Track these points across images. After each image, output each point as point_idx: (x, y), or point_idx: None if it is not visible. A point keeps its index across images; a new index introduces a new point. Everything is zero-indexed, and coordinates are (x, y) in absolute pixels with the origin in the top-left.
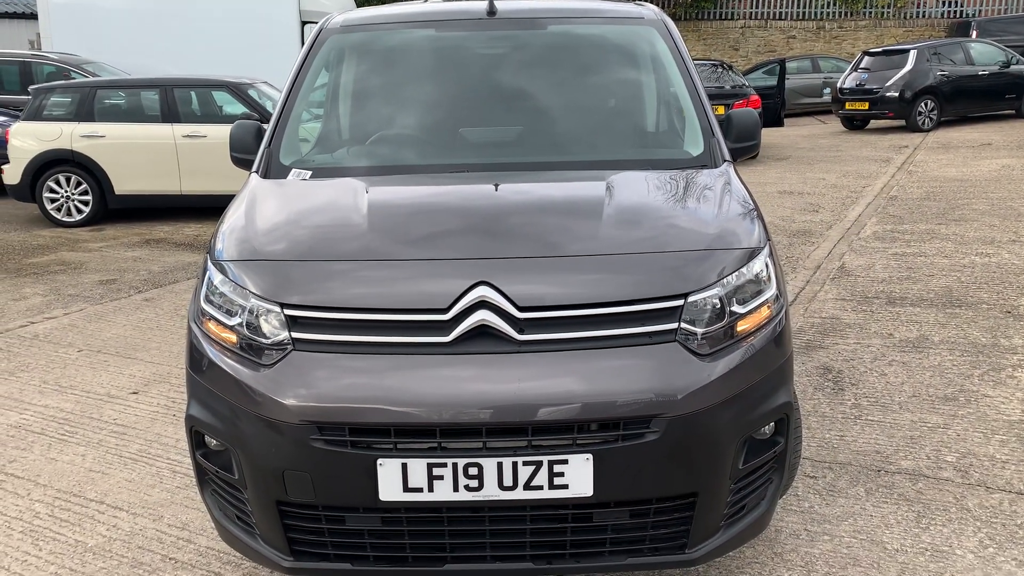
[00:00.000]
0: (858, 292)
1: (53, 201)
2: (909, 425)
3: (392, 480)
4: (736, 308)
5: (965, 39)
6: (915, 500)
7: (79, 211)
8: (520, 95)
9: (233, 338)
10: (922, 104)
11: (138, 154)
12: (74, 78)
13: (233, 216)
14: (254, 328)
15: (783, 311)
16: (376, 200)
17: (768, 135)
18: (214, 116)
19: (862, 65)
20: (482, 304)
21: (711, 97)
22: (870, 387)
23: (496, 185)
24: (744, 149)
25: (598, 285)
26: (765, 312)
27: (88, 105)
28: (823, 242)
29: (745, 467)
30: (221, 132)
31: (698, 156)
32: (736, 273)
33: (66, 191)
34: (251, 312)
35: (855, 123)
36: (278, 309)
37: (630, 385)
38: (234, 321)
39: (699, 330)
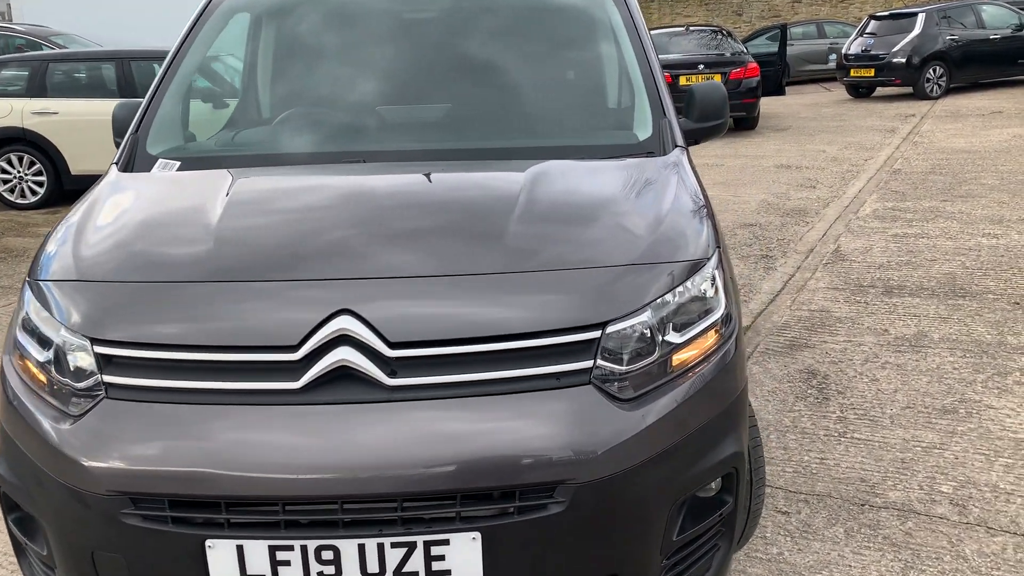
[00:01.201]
0: (852, 280)
1: (6, 182)
2: (900, 445)
3: (225, 566)
4: (672, 337)
5: (976, 1)
6: (903, 545)
7: (33, 192)
8: (450, 67)
9: (44, 378)
10: (930, 70)
11: (95, 132)
12: (44, 51)
13: (67, 222)
14: (62, 368)
15: (734, 334)
16: (235, 202)
17: (769, 104)
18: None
19: (868, 30)
20: (342, 339)
21: (710, 65)
22: (859, 396)
23: (392, 178)
24: (708, 130)
25: (493, 313)
26: (711, 339)
27: (40, 80)
28: (818, 222)
29: (681, 538)
30: None
31: (644, 141)
32: (674, 292)
33: (19, 171)
34: (60, 348)
35: (860, 91)
36: (89, 345)
37: (529, 443)
38: (44, 357)
39: (621, 368)
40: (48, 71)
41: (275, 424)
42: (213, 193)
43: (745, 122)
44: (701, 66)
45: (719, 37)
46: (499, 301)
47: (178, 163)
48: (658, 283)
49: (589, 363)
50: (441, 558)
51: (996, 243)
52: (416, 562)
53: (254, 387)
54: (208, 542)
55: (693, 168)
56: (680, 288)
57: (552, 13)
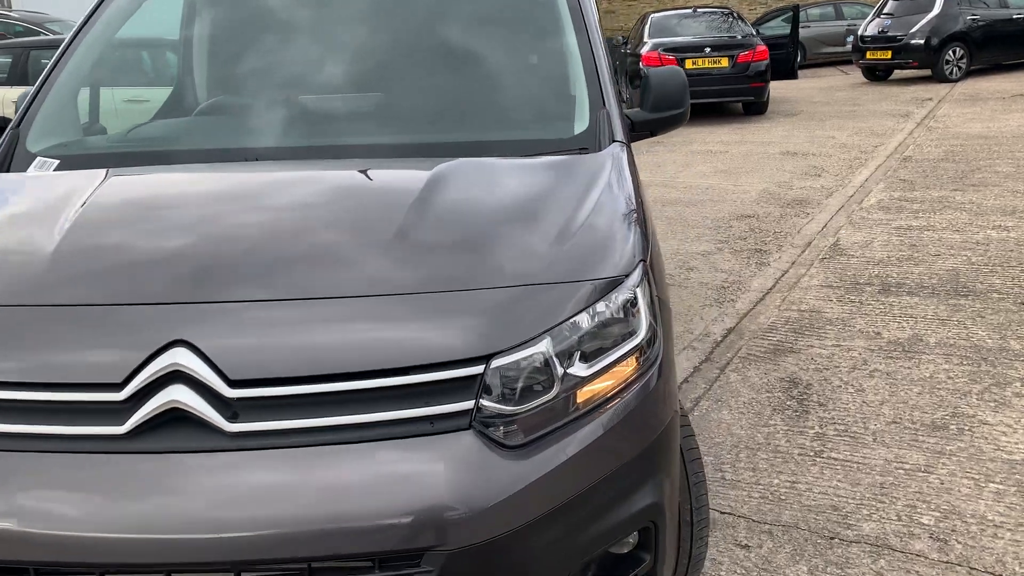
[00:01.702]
0: (848, 277)
1: None
2: (881, 466)
3: None
4: (577, 369)
5: None
6: None
7: None
8: (378, 54)
9: None
10: (950, 52)
11: None
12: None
13: None
14: None
15: (658, 360)
16: (89, 211)
17: (780, 88)
18: (169, 78)
19: (885, 10)
20: (176, 376)
21: (717, 48)
22: (841, 409)
23: (275, 181)
24: (665, 121)
25: (354, 345)
26: (629, 368)
27: (22, 67)
28: (819, 213)
29: None
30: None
31: (579, 135)
32: (582, 316)
33: None
34: None
35: (877, 73)
36: None
37: (391, 502)
38: None
39: (510, 408)
40: (30, 59)
41: (95, 476)
42: (71, 200)
43: (754, 107)
44: (707, 49)
45: (728, 18)
46: (364, 330)
47: (56, 162)
48: (561, 306)
49: (470, 404)
50: None
51: (1006, 236)
52: None
53: (73, 432)
54: None
55: (631, 166)
56: (590, 311)
57: None
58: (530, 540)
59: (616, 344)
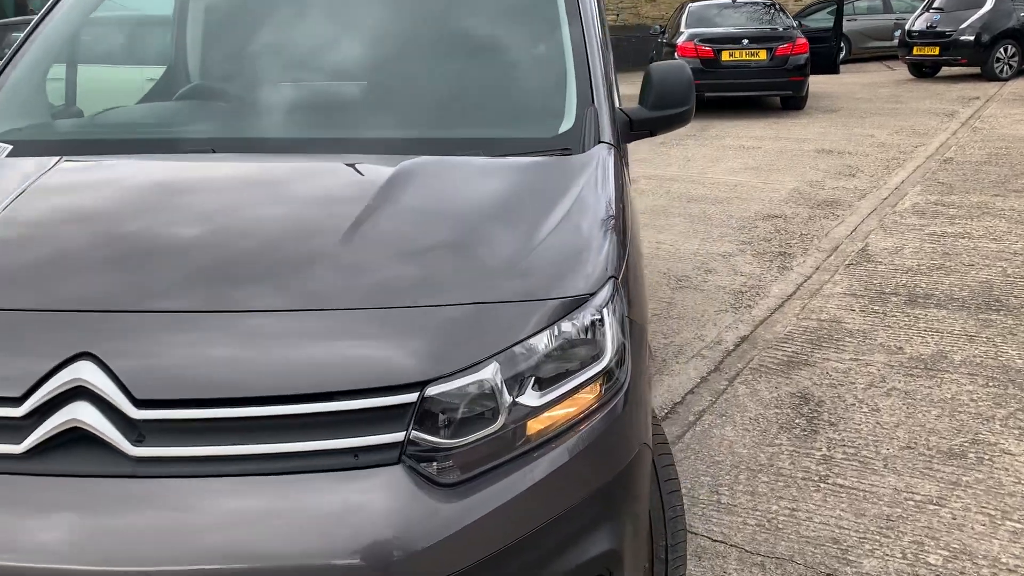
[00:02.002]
0: (874, 285)
1: None
2: (890, 496)
3: None
4: (528, 398)
5: None
6: None
7: None
8: (362, 42)
9: None
10: (1001, 49)
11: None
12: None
13: None
14: None
15: (624, 387)
16: (18, 204)
17: (821, 83)
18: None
19: (935, 5)
20: (79, 392)
21: (755, 40)
22: (853, 430)
23: (222, 177)
24: (666, 120)
25: (275, 365)
26: (590, 396)
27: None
28: (850, 216)
29: None
30: None
31: (563, 135)
32: (539, 337)
33: None
34: None
35: (924, 70)
36: None
37: (300, 544)
38: None
39: (447, 443)
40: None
41: None
42: (7, 190)
43: (791, 102)
44: (745, 41)
45: (769, 10)
46: (288, 350)
47: (9, 147)
48: (512, 327)
49: (400, 436)
50: None
51: None
52: None
53: None
54: None
55: (617, 170)
56: (547, 333)
57: None
58: None
59: (576, 370)
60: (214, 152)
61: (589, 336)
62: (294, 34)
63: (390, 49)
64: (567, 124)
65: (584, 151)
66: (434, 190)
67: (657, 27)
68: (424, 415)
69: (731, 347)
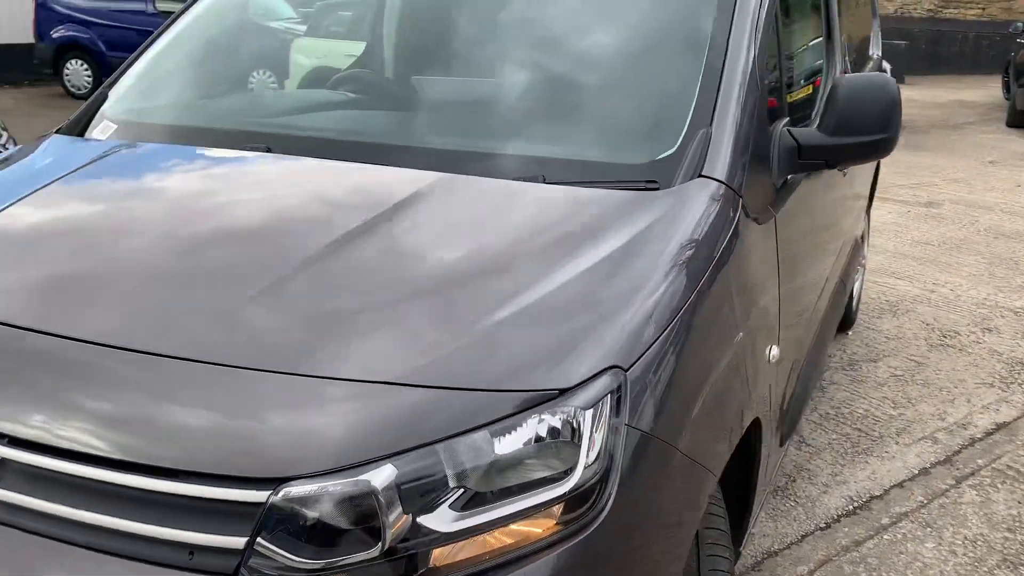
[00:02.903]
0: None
1: None
2: None
3: None
4: (435, 520)
5: None
6: None
7: None
8: (495, 40)
9: None
10: None
11: None
12: None
13: None
14: None
15: (599, 519)
16: (48, 190)
17: None
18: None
19: None
20: None
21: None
22: None
23: (241, 181)
24: (850, 149)
25: (139, 425)
26: (538, 527)
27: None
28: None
29: None
30: None
31: (653, 164)
32: (470, 438)
33: None
34: None
35: None
36: None
37: None
38: None
39: (299, 561)
40: None
41: None
42: (52, 174)
43: None
44: None
45: None
46: (157, 407)
47: (115, 127)
48: (430, 422)
49: (241, 542)
50: None
51: None
52: None
53: None
54: None
55: (718, 216)
56: (480, 435)
57: None
58: None
59: (523, 490)
60: (268, 152)
61: (552, 445)
62: (445, 28)
63: (530, 58)
64: (668, 149)
65: (670, 185)
66: (443, 223)
67: (1020, 24)
68: (278, 521)
69: (979, 435)
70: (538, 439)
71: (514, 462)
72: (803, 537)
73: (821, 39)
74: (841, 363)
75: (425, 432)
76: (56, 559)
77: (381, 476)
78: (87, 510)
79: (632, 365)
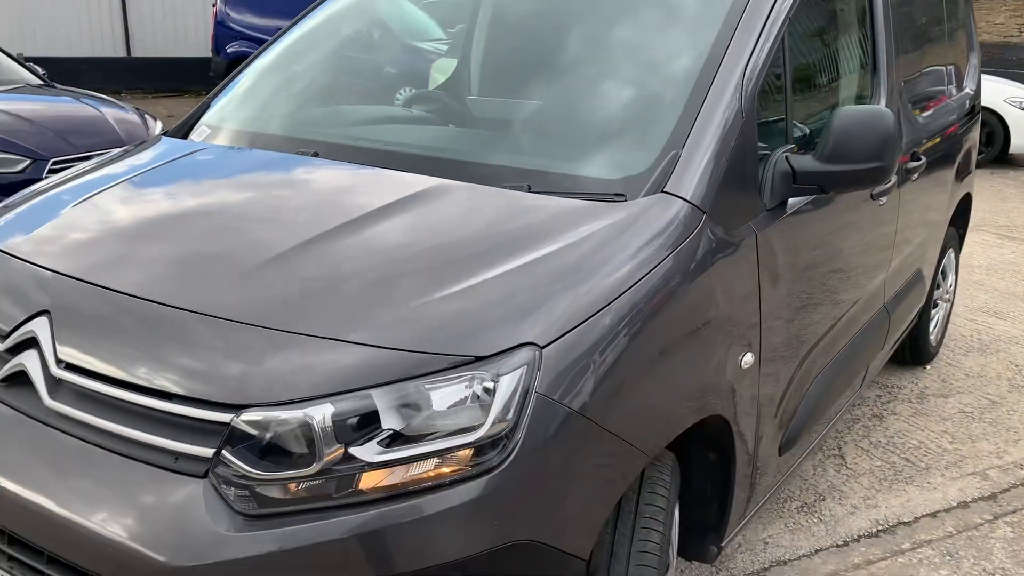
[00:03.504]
0: None
1: None
2: None
3: None
4: (364, 451)
5: None
6: None
7: None
8: (532, 62)
9: None
10: None
11: None
12: None
13: None
14: None
15: (501, 467)
16: (130, 181)
17: None
18: None
19: None
20: (31, 343)
21: None
22: None
23: (270, 178)
24: (844, 176)
25: (155, 360)
26: (446, 467)
27: None
28: None
29: None
30: None
31: (626, 179)
32: (395, 388)
33: None
34: None
35: None
36: None
37: (112, 525)
38: None
39: (251, 471)
40: None
41: None
42: (142, 165)
43: None
44: None
45: None
46: (171, 348)
47: (208, 131)
48: (366, 374)
49: (208, 452)
50: None
51: None
52: None
53: None
54: None
55: (673, 230)
56: (411, 385)
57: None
58: None
59: (441, 434)
60: (316, 156)
61: (468, 401)
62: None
63: (543, 77)
64: (641, 168)
65: (632, 198)
66: (423, 219)
67: None
68: (238, 439)
69: None
70: (457, 395)
71: (434, 412)
72: (816, 551)
73: (857, 74)
74: (909, 395)
75: (363, 381)
76: (88, 459)
77: (320, 412)
78: (112, 422)
79: (549, 344)
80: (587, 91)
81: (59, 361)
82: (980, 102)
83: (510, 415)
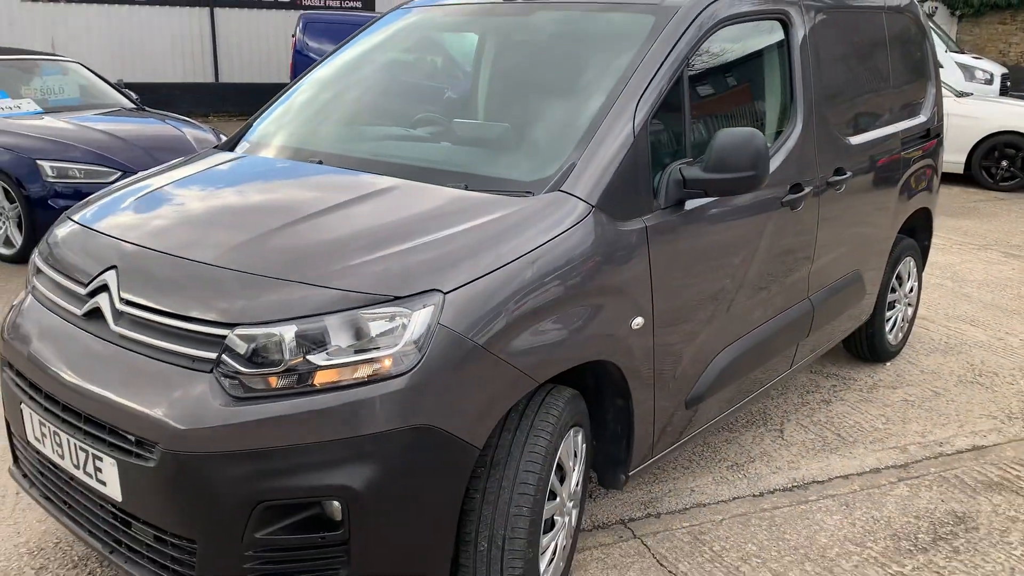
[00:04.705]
0: None
1: None
2: None
3: (29, 424)
4: (316, 358)
5: None
6: None
7: None
8: (499, 93)
9: None
10: None
11: None
12: None
13: None
14: None
15: (410, 372)
16: (183, 179)
17: None
18: None
19: None
20: (104, 288)
21: None
22: (972, 565)
23: (279, 178)
24: (722, 183)
25: (185, 295)
26: (368, 369)
27: None
28: None
29: (268, 538)
30: None
31: (536, 181)
32: (337, 316)
33: None
34: None
35: None
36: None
37: (150, 404)
38: None
39: (241, 368)
40: None
41: (59, 334)
42: (191, 170)
43: None
44: None
45: None
46: (194, 288)
47: (248, 144)
48: (319, 304)
49: (213, 355)
50: (100, 471)
51: None
52: (90, 466)
53: (67, 306)
54: (22, 404)
55: (552, 216)
56: (351, 314)
57: (594, 37)
58: (219, 467)
59: (370, 349)
60: (320, 163)
61: (388, 327)
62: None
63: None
64: (548, 172)
65: (538, 193)
66: (379, 207)
67: None
68: (232, 347)
69: (948, 451)
70: (384, 322)
71: (368, 334)
72: (734, 499)
73: (775, 103)
74: (862, 387)
75: (318, 310)
76: (137, 363)
77: (287, 330)
78: (152, 338)
79: (452, 291)
80: (522, 116)
81: (122, 299)
82: (940, 129)
83: (419, 338)
